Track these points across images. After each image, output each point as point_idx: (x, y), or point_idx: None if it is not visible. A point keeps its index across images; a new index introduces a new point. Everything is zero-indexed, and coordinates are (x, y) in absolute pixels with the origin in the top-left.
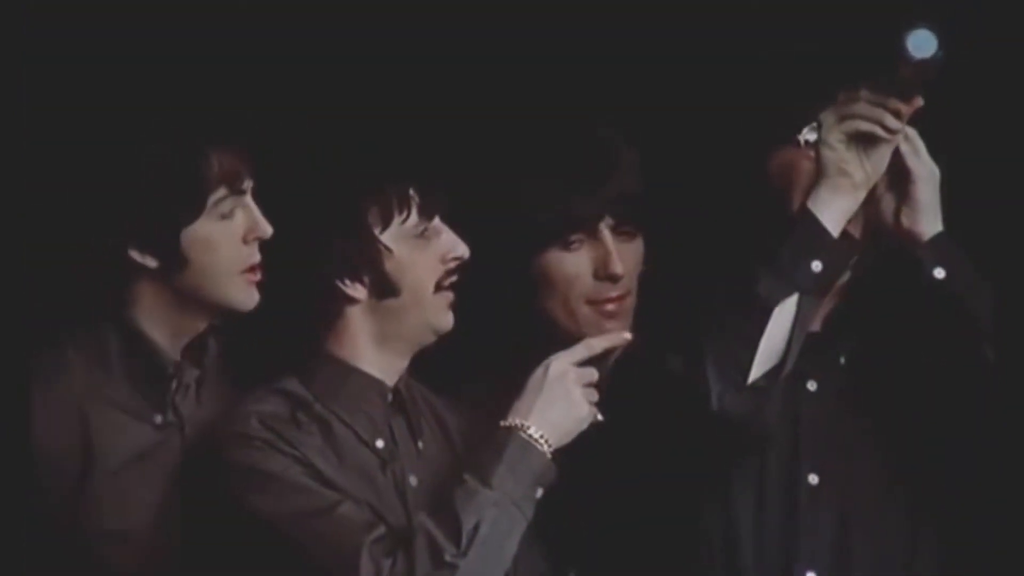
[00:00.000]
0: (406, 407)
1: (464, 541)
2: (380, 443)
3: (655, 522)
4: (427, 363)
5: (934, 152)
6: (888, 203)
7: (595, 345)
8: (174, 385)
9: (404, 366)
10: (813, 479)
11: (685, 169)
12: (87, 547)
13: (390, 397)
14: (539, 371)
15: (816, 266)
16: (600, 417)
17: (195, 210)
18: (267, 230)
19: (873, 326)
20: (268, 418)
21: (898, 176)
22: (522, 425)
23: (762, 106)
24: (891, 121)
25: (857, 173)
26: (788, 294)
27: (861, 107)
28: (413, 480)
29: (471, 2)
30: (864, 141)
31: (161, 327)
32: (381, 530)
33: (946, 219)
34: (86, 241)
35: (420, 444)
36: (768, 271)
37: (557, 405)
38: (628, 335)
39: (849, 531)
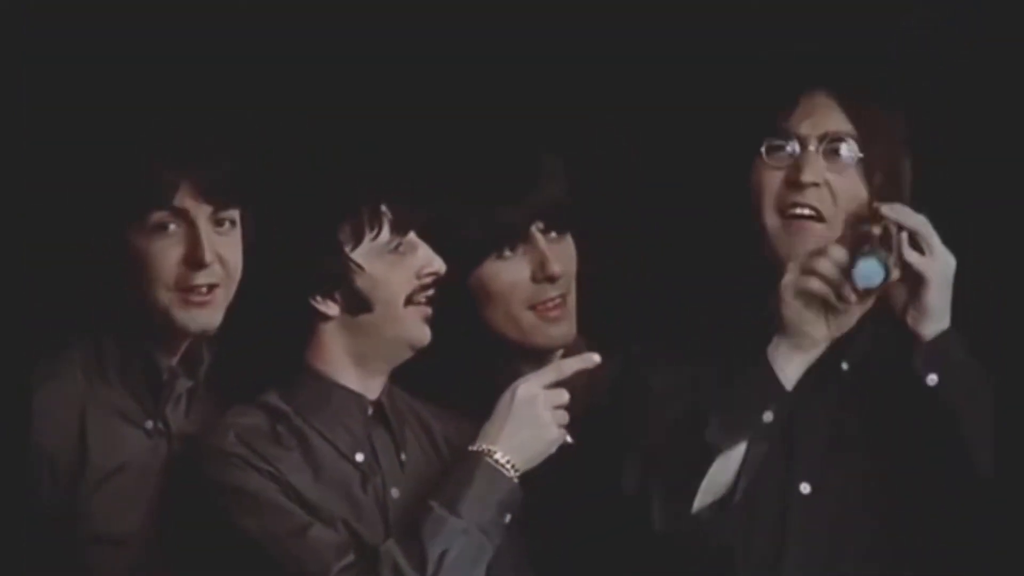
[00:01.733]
0: (388, 419)
1: (430, 569)
2: (360, 457)
3: (644, 528)
4: (409, 372)
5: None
6: (899, 295)
7: (565, 367)
8: (166, 392)
9: (384, 379)
10: (805, 488)
11: (675, 174)
12: (80, 549)
13: (370, 410)
14: (507, 395)
15: (767, 417)
16: (570, 439)
17: (130, 218)
18: (205, 258)
19: (879, 337)
20: (246, 432)
21: (910, 274)
22: (489, 451)
23: (748, 107)
24: (848, 293)
25: (818, 331)
26: (736, 443)
27: (823, 265)
28: (395, 493)
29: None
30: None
31: (150, 333)
32: (351, 557)
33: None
34: (85, 242)
35: (403, 456)
36: (718, 416)
37: (525, 429)
38: (598, 357)
39: (840, 542)
